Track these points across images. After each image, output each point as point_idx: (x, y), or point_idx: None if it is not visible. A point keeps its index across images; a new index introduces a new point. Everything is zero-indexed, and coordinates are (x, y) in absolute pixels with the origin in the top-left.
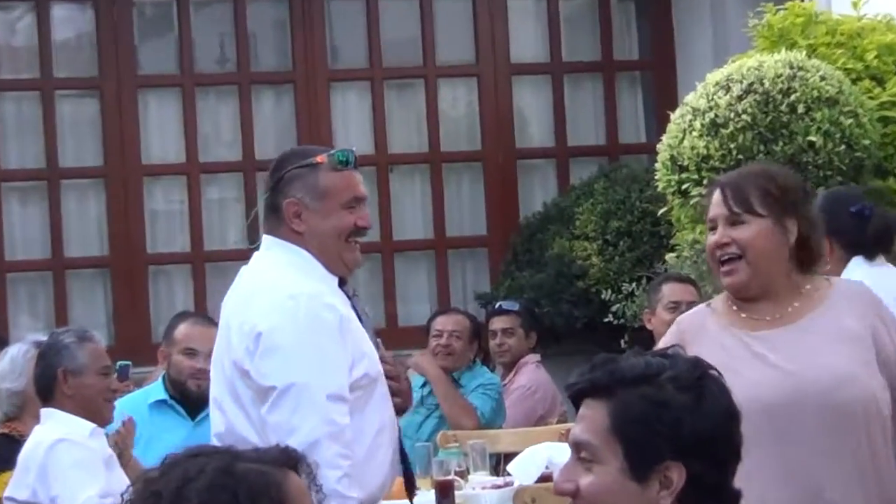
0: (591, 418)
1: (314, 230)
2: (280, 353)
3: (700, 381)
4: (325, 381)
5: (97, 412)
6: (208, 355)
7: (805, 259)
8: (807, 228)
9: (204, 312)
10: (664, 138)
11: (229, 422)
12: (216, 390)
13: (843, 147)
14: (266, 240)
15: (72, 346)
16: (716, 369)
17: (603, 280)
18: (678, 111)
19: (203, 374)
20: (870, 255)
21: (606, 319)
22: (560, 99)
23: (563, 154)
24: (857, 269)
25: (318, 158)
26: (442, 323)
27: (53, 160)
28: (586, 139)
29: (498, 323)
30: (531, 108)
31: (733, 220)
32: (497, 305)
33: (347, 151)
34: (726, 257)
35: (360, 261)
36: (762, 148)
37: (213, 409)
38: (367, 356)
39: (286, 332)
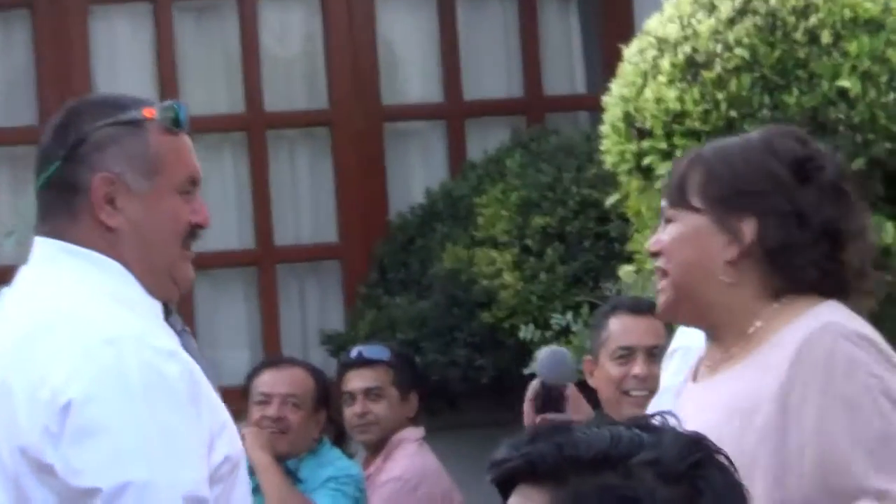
0: None
1: (136, 225)
2: (104, 435)
3: (696, 469)
4: (176, 477)
5: None
6: None
7: (780, 277)
8: (776, 232)
9: None
10: (613, 87)
11: None
12: None
13: (893, 96)
14: (44, 245)
15: None
16: (725, 454)
17: (521, 309)
18: (635, 44)
19: None
20: None
21: (528, 370)
22: (450, 28)
23: (456, 113)
24: None
25: (146, 112)
26: (269, 383)
27: None
28: (492, 90)
29: (357, 380)
30: (406, 42)
31: (668, 217)
32: (355, 353)
33: (183, 106)
34: (659, 272)
35: (192, 278)
36: (767, 99)
37: None
38: (227, 428)
39: (110, 400)
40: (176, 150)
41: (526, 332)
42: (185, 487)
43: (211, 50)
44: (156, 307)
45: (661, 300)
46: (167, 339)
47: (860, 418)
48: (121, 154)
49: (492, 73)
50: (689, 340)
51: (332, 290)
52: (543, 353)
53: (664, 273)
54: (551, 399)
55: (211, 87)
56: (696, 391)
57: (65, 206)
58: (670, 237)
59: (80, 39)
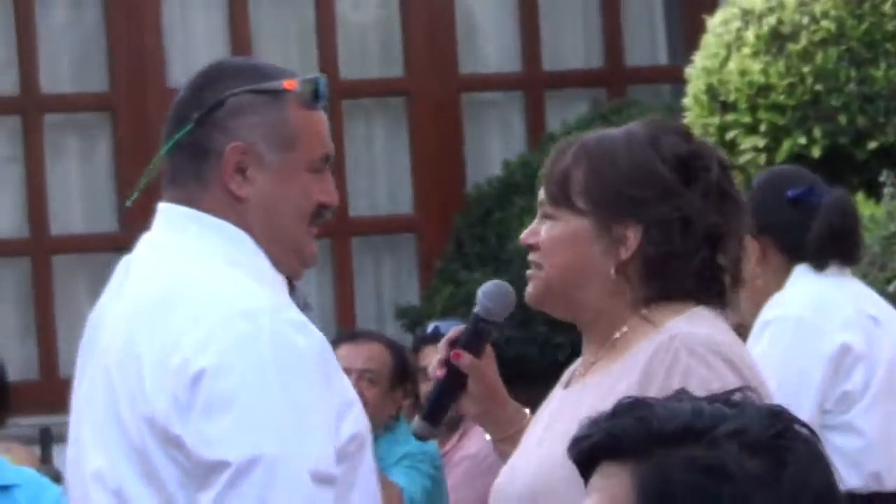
0: (610, 492)
1: (266, 198)
2: (235, 407)
3: (780, 440)
4: (305, 452)
5: None
6: None
7: (656, 285)
8: (660, 241)
9: None
10: (697, 58)
11: None
12: (98, 462)
13: None
14: (171, 212)
15: None
16: (808, 426)
17: None
18: (719, 15)
19: None
20: (818, 262)
21: None
22: None
23: (535, 84)
24: (802, 282)
25: (287, 83)
26: (345, 357)
27: None
28: (572, 60)
29: (434, 356)
30: (485, 10)
31: (546, 213)
32: (431, 328)
33: (319, 79)
34: (531, 265)
35: (317, 256)
36: (853, 73)
37: (84, 493)
38: (353, 405)
39: (243, 372)
40: (312, 126)
41: None
42: (314, 463)
43: (286, 17)
44: (282, 281)
45: (530, 288)
46: (298, 312)
47: None
48: (257, 123)
49: (572, 43)
50: (784, 311)
51: (408, 264)
52: (489, 284)
53: (538, 266)
54: (477, 336)
55: (285, 55)
56: (563, 398)
57: (194, 171)
58: (549, 236)
59: (152, 7)
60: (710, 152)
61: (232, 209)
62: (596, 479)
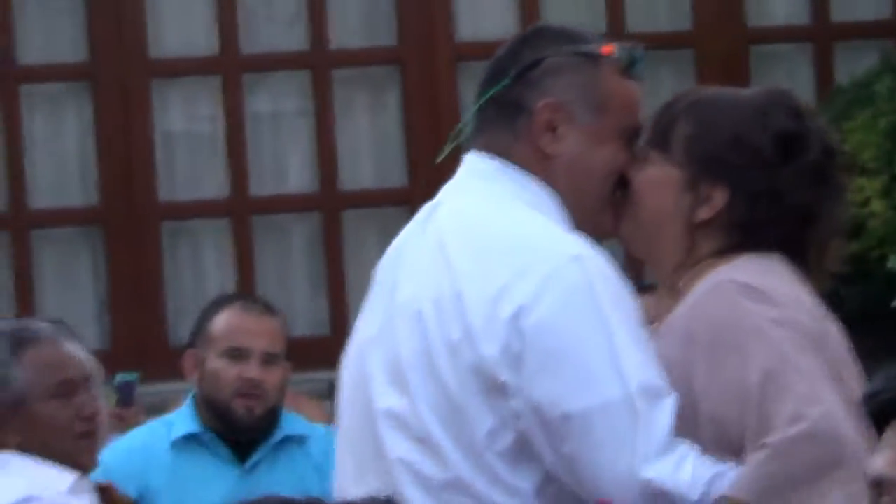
0: None
1: (573, 158)
2: (575, 357)
3: None
4: (649, 381)
5: (68, 455)
6: (265, 360)
7: (735, 244)
8: (746, 207)
9: (252, 294)
10: None
11: (452, 469)
12: (394, 401)
13: None
14: (480, 161)
15: (2, 357)
16: None
17: (891, 239)
18: None
19: (259, 389)
20: None
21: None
22: None
23: (823, 35)
24: None
25: (605, 48)
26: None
27: (8, 54)
28: (861, 11)
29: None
30: None
31: (643, 154)
32: None
33: (642, 51)
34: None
35: (608, 231)
36: None
37: (369, 425)
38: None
39: (581, 322)
40: (627, 95)
41: (894, 261)
42: (653, 382)
43: None
44: None
45: (620, 222)
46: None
47: (746, 363)
48: (572, 83)
49: None
50: None
51: None
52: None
53: (629, 203)
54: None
55: (574, 8)
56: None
57: (506, 124)
58: (644, 177)
59: None
60: (817, 132)
61: (540, 166)
62: (890, 434)
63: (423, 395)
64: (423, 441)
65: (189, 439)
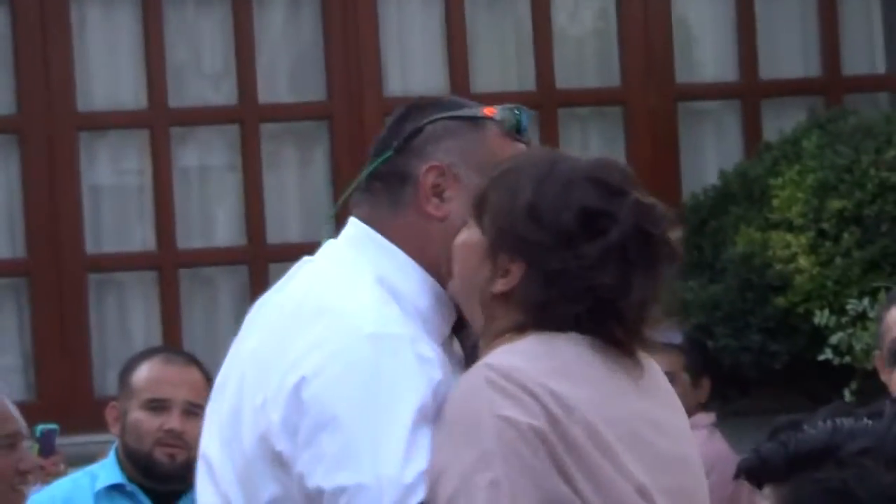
0: None
1: (463, 219)
2: (338, 431)
3: None
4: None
5: None
6: (186, 410)
7: (531, 321)
8: (540, 286)
9: (178, 346)
10: None
11: None
12: (212, 451)
13: None
14: (356, 226)
15: None
16: None
17: (817, 294)
18: None
19: (180, 440)
20: None
21: (822, 357)
22: (746, 6)
23: (751, 93)
24: None
25: (487, 110)
26: None
27: None
28: (789, 69)
29: None
30: (701, 20)
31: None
32: None
33: (525, 112)
34: None
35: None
36: None
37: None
38: None
39: (349, 400)
40: (510, 156)
41: (821, 317)
42: (406, 480)
43: (502, 27)
44: (446, 315)
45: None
46: (431, 348)
47: (453, 442)
48: (455, 147)
49: (789, 52)
50: None
51: None
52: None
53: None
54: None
55: (502, 65)
56: None
57: (389, 196)
58: (458, 240)
59: (368, 17)
60: (629, 211)
61: (424, 233)
62: (760, 502)
63: (228, 453)
64: (224, 497)
65: (112, 490)
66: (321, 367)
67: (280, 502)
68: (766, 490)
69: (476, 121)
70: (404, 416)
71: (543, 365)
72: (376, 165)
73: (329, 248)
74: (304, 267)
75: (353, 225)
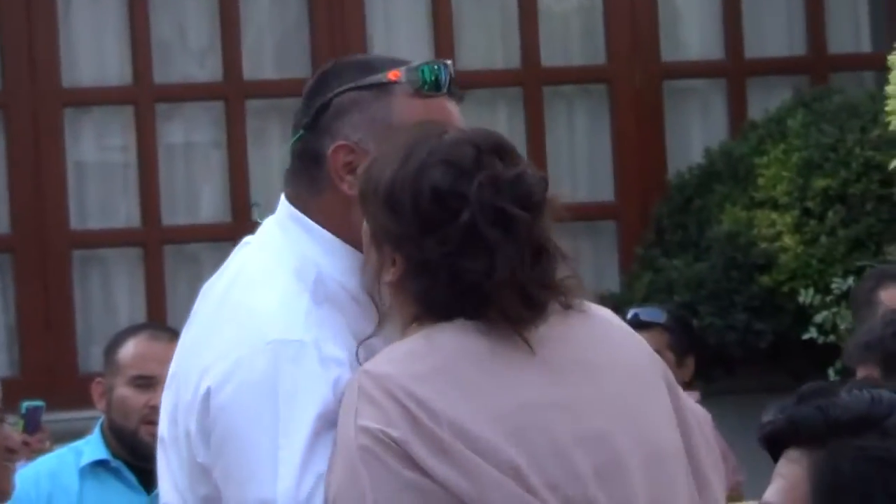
0: (790, 478)
1: None
2: (237, 443)
3: None
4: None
5: None
6: None
7: (423, 314)
8: (415, 277)
9: (163, 323)
10: None
11: None
12: (162, 431)
13: None
14: (283, 206)
15: None
16: None
17: (801, 273)
18: None
19: None
20: None
21: (807, 336)
22: None
23: (737, 71)
24: None
25: (391, 74)
26: None
27: None
28: (774, 48)
29: None
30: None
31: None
32: (631, 315)
33: (438, 66)
34: None
35: None
36: None
37: (168, 490)
38: None
39: (250, 408)
40: (423, 116)
41: (806, 296)
42: (301, 496)
43: (488, 4)
44: (360, 308)
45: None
46: (338, 349)
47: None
48: (362, 120)
49: (774, 30)
50: None
51: (608, 251)
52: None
53: None
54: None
55: (487, 42)
56: None
57: (307, 175)
58: (363, 228)
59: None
60: (477, 191)
61: (346, 210)
62: (781, 464)
63: (175, 447)
64: (175, 485)
65: (97, 466)
66: (225, 378)
67: (212, 501)
68: (793, 454)
69: (382, 87)
70: (303, 426)
71: (418, 368)
72: (291, 146)
73: (264, 228)
74: (241, 251)
75: (282, 204)
